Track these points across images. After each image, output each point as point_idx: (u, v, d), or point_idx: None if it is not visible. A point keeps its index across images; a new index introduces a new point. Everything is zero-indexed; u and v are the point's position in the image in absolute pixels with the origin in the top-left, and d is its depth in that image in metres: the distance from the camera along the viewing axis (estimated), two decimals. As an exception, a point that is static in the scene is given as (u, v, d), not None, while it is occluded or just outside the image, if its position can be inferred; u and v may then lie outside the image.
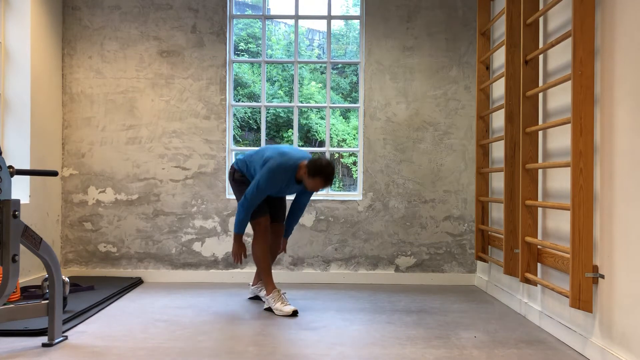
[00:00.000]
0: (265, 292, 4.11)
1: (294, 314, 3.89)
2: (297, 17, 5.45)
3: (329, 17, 5.46)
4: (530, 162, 3.63)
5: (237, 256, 4.17)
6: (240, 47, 12.59)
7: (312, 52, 14.33)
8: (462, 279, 5.22)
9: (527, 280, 3.59)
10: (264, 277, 4.10)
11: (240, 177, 4.22)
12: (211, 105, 5.28)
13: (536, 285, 3.70)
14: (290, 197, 4.53)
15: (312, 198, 5.21)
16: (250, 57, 12.67)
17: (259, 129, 11.18)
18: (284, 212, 4.41)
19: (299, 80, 10.70)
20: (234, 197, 5.29)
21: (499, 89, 4.60)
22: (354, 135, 11.94)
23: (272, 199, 4.30)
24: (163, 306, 4.17)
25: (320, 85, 12.62)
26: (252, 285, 4.45)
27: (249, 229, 4.83)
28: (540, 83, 3.72)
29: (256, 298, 4.41)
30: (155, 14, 5.30)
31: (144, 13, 5.30)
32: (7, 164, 3.05)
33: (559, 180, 3.43)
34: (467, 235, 5.23)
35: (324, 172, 3.92)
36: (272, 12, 6.98)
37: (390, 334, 3.44)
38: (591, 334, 3.02)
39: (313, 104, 11.87)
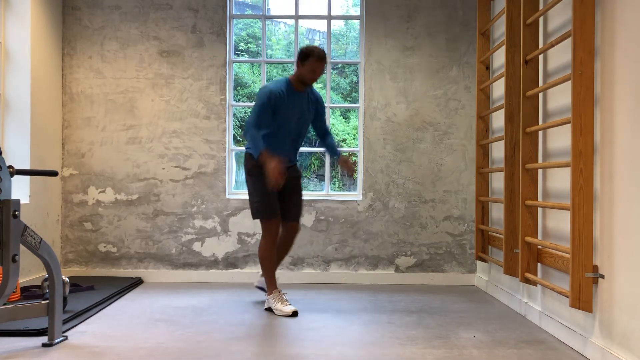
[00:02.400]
0: (267, 292, 4.11)
1: (294, 314, 3.89)
2: (297, 17, 5.45)
3: (329, 17, 5.46)
4: (530, 162, 3.63)
5: (275, 175, 3.72)
6: (240, 47, 12.58)
7: (312, 52, 14.31)
8: (462, 279, 5.22)
9: (527, 280, 3.59)
10: (266, 278, 4.08)
11: (252, 166, 4.00)
12: (211, 105, 5.28)
13: (536, 285, 3.69)
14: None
15: (312, 198, 5.21)
16: (250, 57, 12.67)
17: (259, 129, 11.15)
18: (300, 209, 4.24)
19: (299, 80, 10.67)
20: (234, 197, 5.29)
21: (499, 89, 4.59)
22: (354, 135, 11.93)
23: (288, 193, 4.10)
24: (163, 306, 4.17)
25: (320, 85, 12.61)
26: (261, 276, 4.29)
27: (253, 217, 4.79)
28: (540, 83, 3.72)
29: (263, 289, 4.27)
30: (155, 14, 5.29)
31: (144, 13, 5.30)
32: (7, 164, 3.05)
33: (559, 180, 3.43)
34: (467, 235, 5.22)
35: (312, 50, 3.93)
36: (272, 12, 6.98)
37: (390, 334, 3.44)
38: (591, 334, 3.02)
39: (313, 104, 11.84)
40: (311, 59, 3.93)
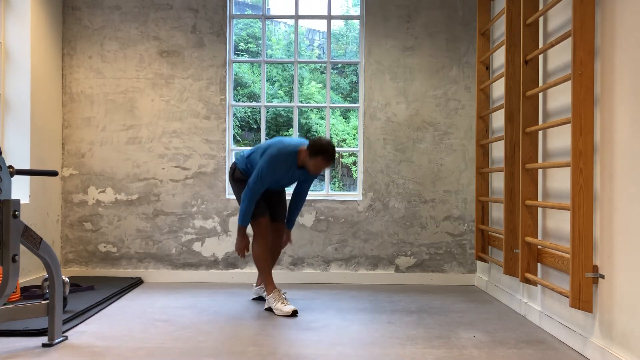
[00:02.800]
0: (266, 292, 4.11)
1: (294, 314, 3.89)
2: (297, 17, 5.45)
3: (329, 17, 5.46)
4: (530, 162, 3.63)
5: (241, 250, 4.12)
6: (240, 47, 12.59)
7: (312, 52, 14.33)
8: (462, 279, 5.22)
9: (527, 280, 3.59)
10: (264, 277, 4.09)
11: (240, 176, 4.18)
12: (211, 105, 5.28)
13: (536, 285, 3.70)
14: (290, 191, 4.50)
15: (312, 198, 5.20)
16: (250, 57, 12.67)
17: (259, 129, 11.18)
18: (285, 211, 4.37)
19: (299, 80, 10.70)
20: (234, 197, 5.29)
21: (499, 89, 4.60)
22: (354, 135, 11.93)
23: (273, 197, 4.27)
24: (163, 306, 4.17)
25: (320, 85, 12.62)
26: (256, 286, 4.42)
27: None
28: (540, 83, 3.72)
29: (260, 299, 4.39)
30: (155, 14, 5.30)
31: (144, 13, 5.30)
32: (7, 164, 3.05)
33: (559, 180, 3.43)
34: (467, 235, 5.22)
35: (325, 150, 3.94)
36: (272, 12, 6.98)
37: (390, 334, 3.44)
38: (591, 334, 3.02)
39: (313, 104, 11.88)
40: (320, 158, 3.95)
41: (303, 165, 4.05)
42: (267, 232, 4.14)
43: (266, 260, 4.11)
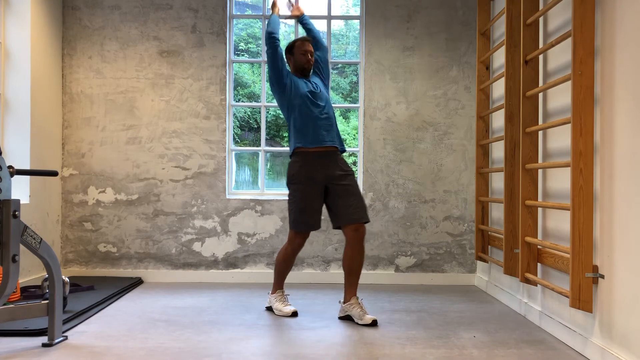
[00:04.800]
0: (270, 290, 4.12)
1: (294, 314, 3.89)
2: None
3: (329, 17, 5.46)
4: (530, 162, 3.63)
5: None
6: (240, 47, 12.58)
7: (312, 52, 14.31)
8: (462, 279, 5.22)
9: (527, 280, 3.59)
10: (275, 277, 4.08)
11: (290, 175, 3.94)
12: (211, 105, 5.28)
13: (536, 285, 3.69)
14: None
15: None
16: (250, 57, 12.67)
17: (259, 129, 11.19)
18: (356, 209, 3.83)
19: (299, 80, 10.67)
20: (234, 197, 5.29)
21: (499, 89, 4.60)
22: (354, 135, 11.92)
23: (334, 196, 3.85)
24: (163, 306, 4.17)
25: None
26: (343, 303, 3.84)
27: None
28: (540, 83, 3.72)
29: (347, 317, 3.82)
30: (155, 14, 5.29)
31: (144, 13, 5.30)
32: (7, 164, 3.05)
33: (559, 180, 3.43)
34: (467, 235, 5.22)
35: (294, 40, 4.10)
36: (272, 12, 6.96)
37: (390, 334, 3.44)
38: (591, 334, 3.02)
39: (313, 104, 11.84)
40: (296, 44, 4.07)
41: (299, 74, 4.05)
42: (297, 247, 3.97)
43: (284, 267, 4.04)
